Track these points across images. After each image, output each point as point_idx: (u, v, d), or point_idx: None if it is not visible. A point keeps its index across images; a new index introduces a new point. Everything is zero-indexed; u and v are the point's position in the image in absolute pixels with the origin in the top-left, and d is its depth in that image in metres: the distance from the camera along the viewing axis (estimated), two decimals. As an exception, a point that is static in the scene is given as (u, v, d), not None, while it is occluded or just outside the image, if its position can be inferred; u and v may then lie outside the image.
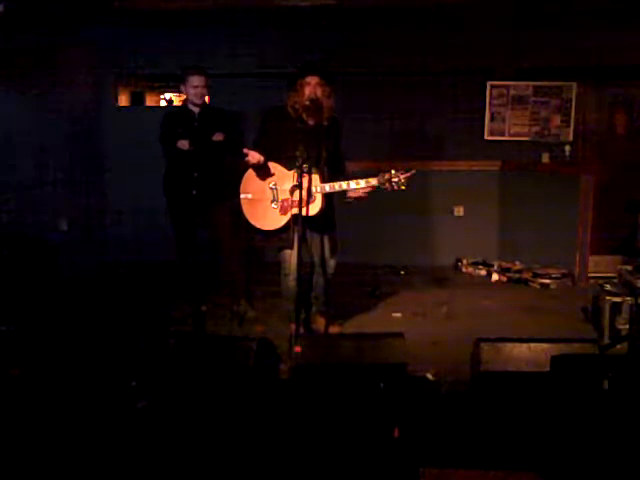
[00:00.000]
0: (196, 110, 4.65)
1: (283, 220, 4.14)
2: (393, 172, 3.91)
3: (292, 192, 4.01)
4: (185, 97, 4.73)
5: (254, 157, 4.06)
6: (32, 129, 5.36)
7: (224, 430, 2.94)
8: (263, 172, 4.16)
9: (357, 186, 4.00)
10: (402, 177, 3.90)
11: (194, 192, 4.60)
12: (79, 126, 6.25)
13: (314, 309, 4.55)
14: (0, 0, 4.74)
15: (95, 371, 3.52)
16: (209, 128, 4.59)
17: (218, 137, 4.58)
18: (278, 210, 4.15)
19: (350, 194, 4.11)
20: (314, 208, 3.99)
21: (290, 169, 4.08)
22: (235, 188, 4.31)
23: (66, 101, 5.98)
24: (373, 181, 3.95)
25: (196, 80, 4.56)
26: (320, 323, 4.53)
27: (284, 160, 4.13)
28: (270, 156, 4.16)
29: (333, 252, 4.38)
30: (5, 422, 3.01)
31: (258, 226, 4.23)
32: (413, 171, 3.94)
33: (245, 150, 4.08)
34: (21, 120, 5.21)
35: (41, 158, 5.50)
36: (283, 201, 4.13)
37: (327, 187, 4.02)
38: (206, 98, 4.71)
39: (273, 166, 4.18)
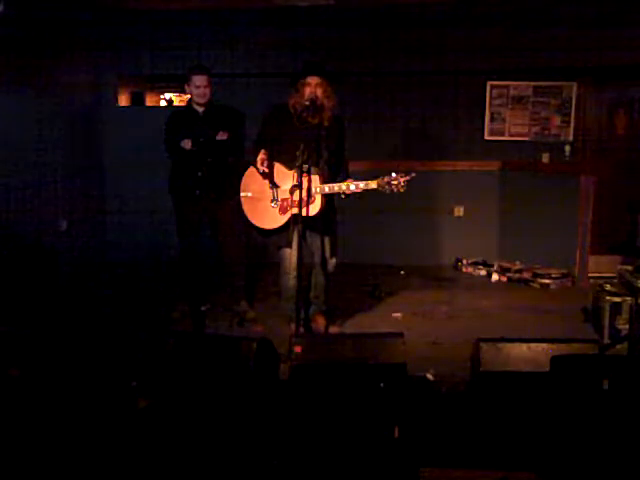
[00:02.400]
0: (200, 109, 4.66)
1: (282, 219, 4.14)
2: (393, 175, 3.92)
3: (292, 192, 4.02)
4: (190, 97, 4.73)
5: (261, 167, 4.08)
6: (32, 129, 5.35)
7: (224, 430, 2.94)
8: (268, 173, 4.17)
9: (356, 189, 4.00)
10: (402, 180, 3.91)
11: (197, 192, 4.61)
12: (79, 126, 6.25)
13: (314, 309, 4.55)
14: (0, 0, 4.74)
15: (95, 371, 3.52)
16: (213, 127, 4.59)
17: (222, 136, 4.57)
18: (277, 210, 4.16)
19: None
20: (314, 208, 4.00)
21: (290, 169, 4.09)
22: (237, 187, 4.32)
23: (66, 101, 5.98)
24: (372, 184, 3.96)
25: (199, 80, 4.57)
26: (320, 323, 4.53)
27: (284, 159, 4.14)
28: (271, 155, 4.16)
29: (333, 252, 4.38)
30: (5, 422, 3.00)
31: (257, 224, 4.24)
32: (413, 174, 3.94)
33: (261, 151, 4.08)
34: (21, 120, 5.20)
35: (41, 158, 5.49)
36: (283, 201, 4.14)
37: (326, 188, 4.02)
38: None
39: (273, 165, 4.18)
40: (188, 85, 4.63)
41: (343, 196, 4.08)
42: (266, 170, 4.11)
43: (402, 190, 3.92)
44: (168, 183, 4.74)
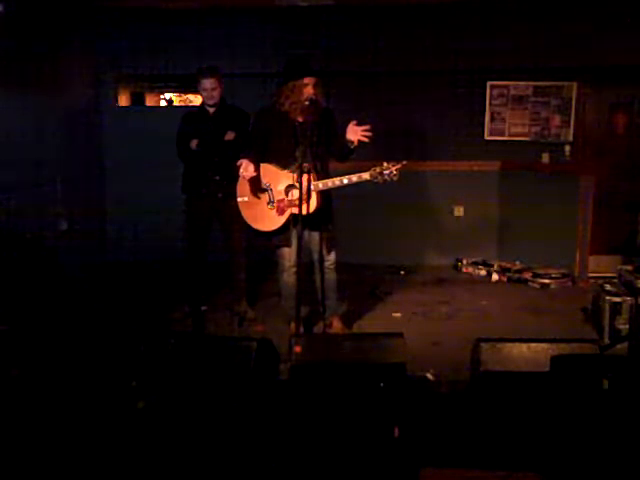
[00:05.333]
0: (211, 110, 4.68)
1: (281, 220, 4.14)
2: (384, 165, 3.90)
3: (287, 192, 4.03)
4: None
5: (248, 172, 4.06)
6: (32, 129, 5.35)
7: (224, 430, 2.93)
8: (256, 176, 4.16)
9: (349, 182, 3.99)
10: (393, 169, 3.88)
11: (204, 191, 4.64)
12: (79, 126, 6.24)
13: (329, 312, 4.43)
14: (0, 0, 4.74)
15: (95, 371, 3.51)
16: (222, 127, 4.61)
17: (229, 136, 4.60)
18: (275, 211, 4.15)
19: (350, 137, 4.03)
20: (310, 206, 3.98)
21: (283, 168, 4.09)
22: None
23: (66, 101, 5.98)
24: (365, 175, 3.94)
25: (206, 83, 4.60)
26: (337, 327, 4.50)
27: (277, 160, 4.13)
28: (263, 156, 4.15)
29: (332, 247, 4.35)
30: (5, 422, 3.00)
31: (257, 228, 4.23)
32: (404, 162, 3.91)
33: (239, 162, 4.08)
34: (21, 120, 5.20)
35: (41, 158, 5.49)
36: (279, 202, 4.13)
37: (320, 184, 4.02)
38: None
39: (266, 167, 4.17)
40: (198, 87, 4.66)
41: (353, 144, 4.02)
42: (253, 174, 4.09)
43: (395, 179, 3.88)
44: (181, 183, 4.79)
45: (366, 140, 4.01)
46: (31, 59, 5.34)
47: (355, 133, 4.01)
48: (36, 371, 3.43)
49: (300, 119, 4.14)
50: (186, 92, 7.71)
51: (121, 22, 6.23)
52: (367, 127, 3.99)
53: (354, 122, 4.04)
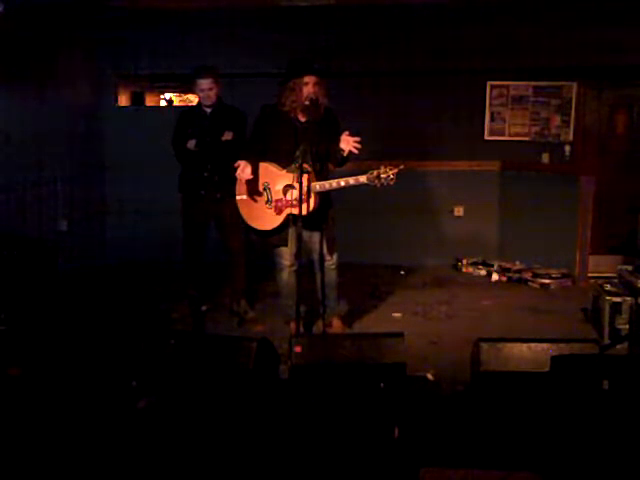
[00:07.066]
0: (208, 110, 4.67)
1: (279, 220, 4.14)
2: (382, 169, 3.89)
3: (285, 192, 4.03)
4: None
5: (245, 174, 4.06)
6: (32, 129, 5.35)
7: (224, 430, 2.94)
8: (255, 175, 4.16)
9: (347, 184, 3.99)
10: (391, 173, 3.87)
11: (202, 192, 4.64)
12: (79, 126, 6.25)
13: (329, 312, 4.47)
14: (0, 0, 4.74)
15: (95, 371, 3.52)
16: (219, 127, 4.60)
17: (227, 136, 4.59)
18: (273, 210, 4.15)
19: (342, 146, 4.02)
20: (308, 206, 3.97)
21: (282, 168, 4.09)
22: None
23: (66, 101, 5.98)
24: (362, 179, 3.94)
25: (203, 83, 4.58)
26: (337, 327, 4.51)
27: (277, 159, 4.13)
28: (263, 155, 4.15)
29: (333, 247, 4.35)
30: (5, 422, 3.00)
31: (255, 226, 4.24)
32: (401, 166, 3.91)
33: (237, 163, 4.08)
34: (21, 120, 5.20)
35: (41, 158, 5.50)
36: (277, 201, 4.13)
37: (318, 186, 4.02)
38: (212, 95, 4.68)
39: (265, 166, 4.17)
40: (194, 88, 4.65)
41: (344, 153, 4.02)
42: (250, 177, 4.10)
43: (392, 183, 3.87)
44: (178, 182, 4.79)
45: (356, 152, 4.01)
46: (31, 59, 5.34)
47: (347, 143, 4.01)
48: (36, 371, 3.44)
49: (301, 118, 4.14)
50: (186, 92, 7.71)
51: (121, 22, 6.22)
52: (358, 139, 3.99)
53: (347, 132, 4.05)
